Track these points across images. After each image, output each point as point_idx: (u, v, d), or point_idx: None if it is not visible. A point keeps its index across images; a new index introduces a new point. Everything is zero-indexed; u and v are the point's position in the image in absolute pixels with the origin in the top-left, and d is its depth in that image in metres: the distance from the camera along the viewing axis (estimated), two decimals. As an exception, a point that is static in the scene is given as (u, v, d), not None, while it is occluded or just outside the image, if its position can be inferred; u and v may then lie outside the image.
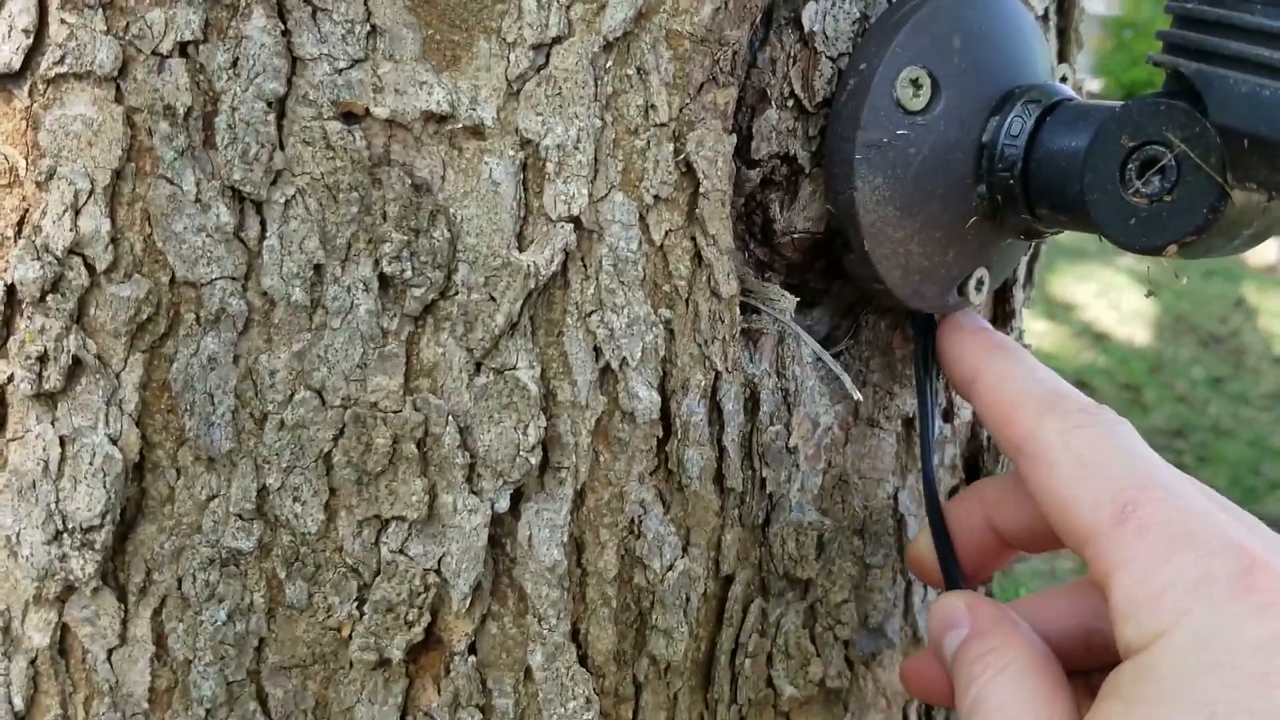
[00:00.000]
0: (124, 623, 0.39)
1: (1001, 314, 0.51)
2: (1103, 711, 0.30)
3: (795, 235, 0.43)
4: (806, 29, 0.41)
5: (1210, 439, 2.48)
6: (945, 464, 0.51)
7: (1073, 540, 0.34)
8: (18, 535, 0.38)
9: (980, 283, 0.44)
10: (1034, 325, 3.04)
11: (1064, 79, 0.45)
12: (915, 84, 0.39)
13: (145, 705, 0.39)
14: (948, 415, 0.50)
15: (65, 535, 0.38)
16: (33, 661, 0.39)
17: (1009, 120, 0.40)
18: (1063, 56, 0.51)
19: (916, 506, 0.49)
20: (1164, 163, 0.35)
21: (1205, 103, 0.32)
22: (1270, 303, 3.87)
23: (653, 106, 0.37)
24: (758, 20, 0.39)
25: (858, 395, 0.43)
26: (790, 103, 0.41)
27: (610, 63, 0.36)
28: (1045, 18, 0.49)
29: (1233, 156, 0.32)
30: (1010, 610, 0.38)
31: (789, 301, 0.42)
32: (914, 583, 0.49)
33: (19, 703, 0.39)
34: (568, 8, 0.36)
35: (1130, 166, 0.36)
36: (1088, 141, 0.37)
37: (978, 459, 0.52)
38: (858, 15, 0.42)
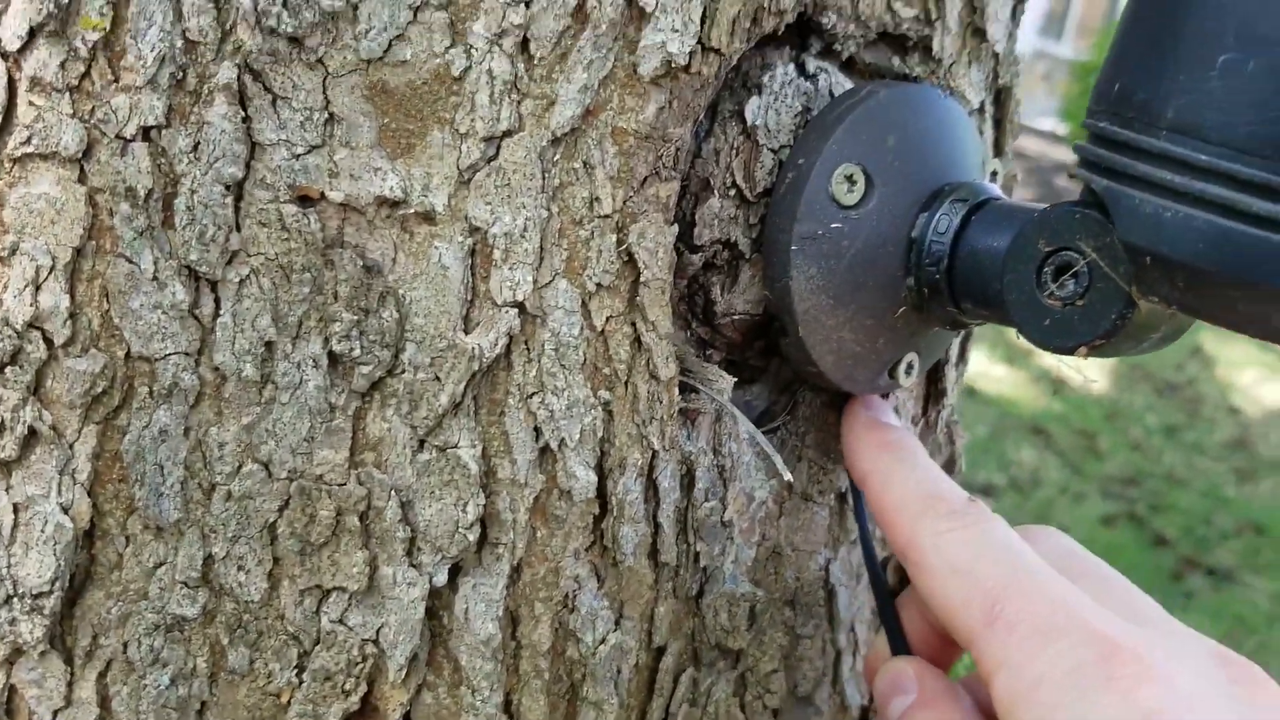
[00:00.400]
0: (70, 685, 0.40)
1: (934, 393, 0.53)
2: None
3: (735, 317, 0.45)
4: (749, 122, 0.43)
5: (1164, 488, 2.52)
6: (878, 536, 0.52)
7: (960, 642, 0.35)
8: (-35, 598, 0.39)
9: (910, 367, 0.46)
10: (993, 370, 3.08)
11: (994, 174, 0.47)
12: (850, 180, 0.41)
13: (86, 766, 0.40)
14: (881, 489, 0.52)
15: (15, 600, 0.39)
16: (-24, 721, 0.40)
17: (937, 217, 0.42)
18: (999, 146, 0.53)
19: (848, 578, 0.51)
20: (1077, 269, 0.37)
21: (1112, 218, 0.34)
22: (1227, 352, 3.94)
23: (597, 199, 0.38)
24: (700, 117, 0.41)
25: (788, 476, 0.44)
26: (733, 192, 0.43)
27: (558, 156, 0.38)
28: (981, 110, 0.51)
29: (1137, 271, 0.34)
30: (954, 684, 0.40)
31: (726, 382, 0.44)
32: (843, 652, 0.50)
33: (-40, 762, 0.40)
34: (518, 103, 0.37)
35: (1046, 270, 0.38)
36: (1009, 242, 0.39)
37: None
38: (799, 109, 0.44)
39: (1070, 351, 0.37)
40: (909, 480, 0.40)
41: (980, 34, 0.48)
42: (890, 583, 0.53)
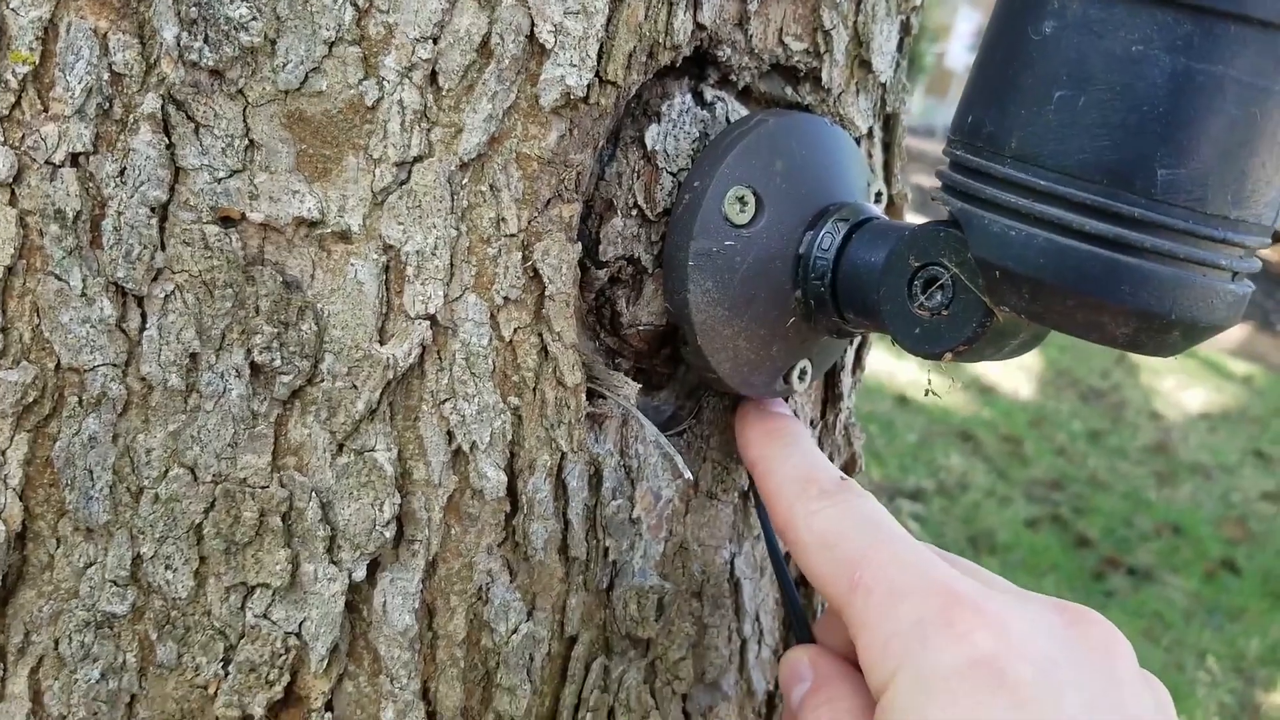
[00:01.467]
0: (3, 681, 0.42)
1: (831, 397, 0.56)
2: None
3: (640, 327, 0.48)
4: (649, 148, 0.46)
5: (1087, 491, 2.60)
6: (780, 532, 0.56)
7: (838, 613, 0.39)
8: (-100, 600, 0.41)
9: (804, 373, 0.49)
10: (924, 377, 3.14)
11: (879, 195, 0.51)
12: (741, 201, 0.45)
13: (19, 760, 0.42)
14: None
15: (-53, 601, 0.41)
16: (-89, 719, 0.42)
17: (821, 235, 0.45)
18: (889, 168, 0.57)
19: (752, 570, 0.54)
20: (942, 282, 0.40)
21: (967, 236, 0.38)
22: (1152, 359, 4.06)
23: (503, 219, 0.41)
24: (601, 144, 0.44)
25: (688, 475, 0.47)
26: (635, 212, 0.46)
27: (466, 180, 0.41)
28: (870, 135, 0.55)
29: (988, 284, 0.38)
30: (848, 665, 0.43)
31: (631, 388, 0.47)
32: (748, 640, 0.54)
33: (-104, 758, 0.42)
34: (428, 131, 0.40)
35: (916, 283, 0.41)
36: (884, 258, 0.43)
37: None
38: (697, 135, 0.47)
39: (938, 357, 0.41)
40: (787, 464, 0.44)
41: (866, 65, 0.52)
42: (794, 575, 0.57)
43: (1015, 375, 3.36)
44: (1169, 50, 0.33)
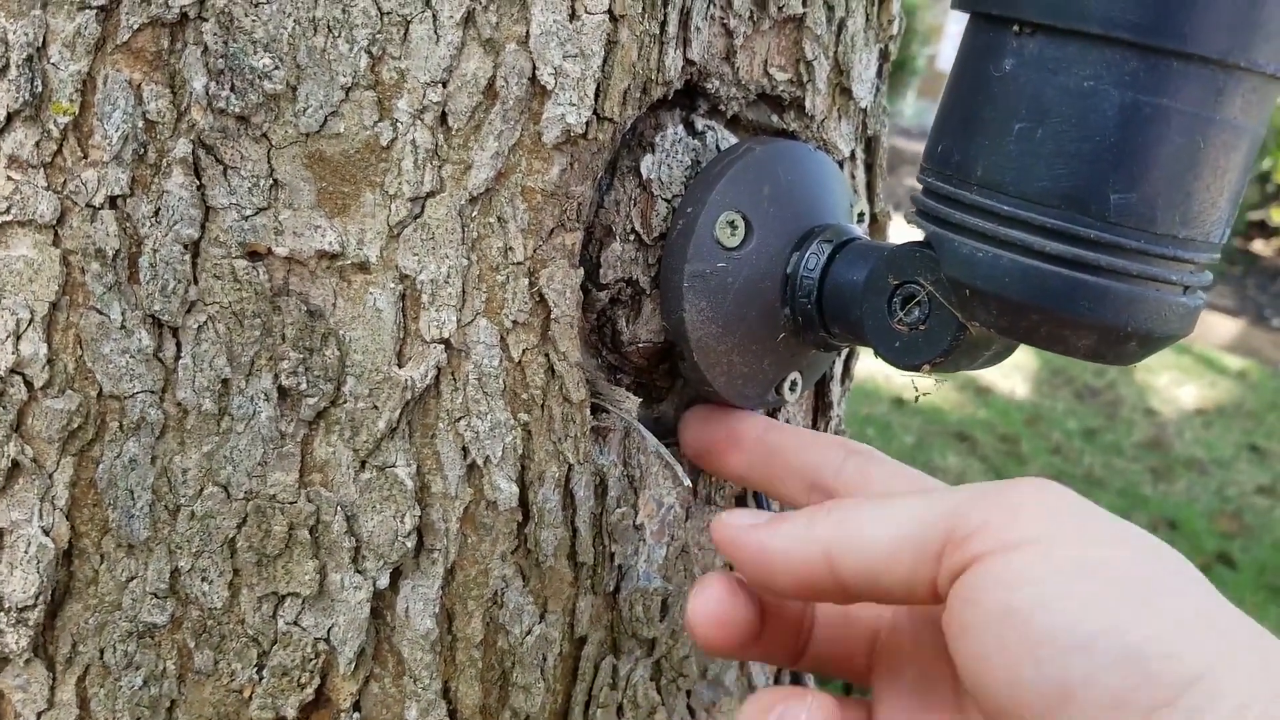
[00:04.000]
0: (52, 689, 0.45)
1: (821, 406, 0.59)
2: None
3: (640, 345, 0.51)
4: (644, 176, 0.49)
5: (1083, 488, 2.63)
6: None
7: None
8: (-43, 615, 0.44)
9: (794, 384, 0.53)
10: (922, 380, 3.17)
11: (861, 215, 0.54)
12: (732, 225, 0.48)
13: (68, 762, 0.45)
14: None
15: (2, 614, 0.44)
16: (-33, 725, 0.45)
17: (807, 256, 0.48)
18: (871, 187, 0.60)
19: (750, 572, 0.57)
20: (919, 299, 0.44)
21: (939, 257, 0.41)
22: (1145, 356, 4.09)
23: (511, 248, 0.44)
24: (599, 176, 0.47)
25: (688, 482, 0.51)
26: (632, 237, 0.49)
27: (475, 213, 0.44)
28: (853, 157, 0.58)
29: (960, 301, 0.41)
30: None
31: (632, 402, 0.50)
32: (748, 639, 0.56)
33: (-46, 762, 0.45)
34: (439, 168, 0.43)
35: (895, 300, 0.44)
36: (865, 277, 0.46)
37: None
38: (689, 163, 0.50)
39: (917, 369, 0.44)
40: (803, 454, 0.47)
41: (847, 93, 0.55)
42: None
43: (1011, 375, 3.39)
44: (1117, 85, 0.36)
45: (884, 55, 0.59)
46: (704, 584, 0.43)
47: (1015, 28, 0.38)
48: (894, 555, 0.36)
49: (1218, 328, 4.65)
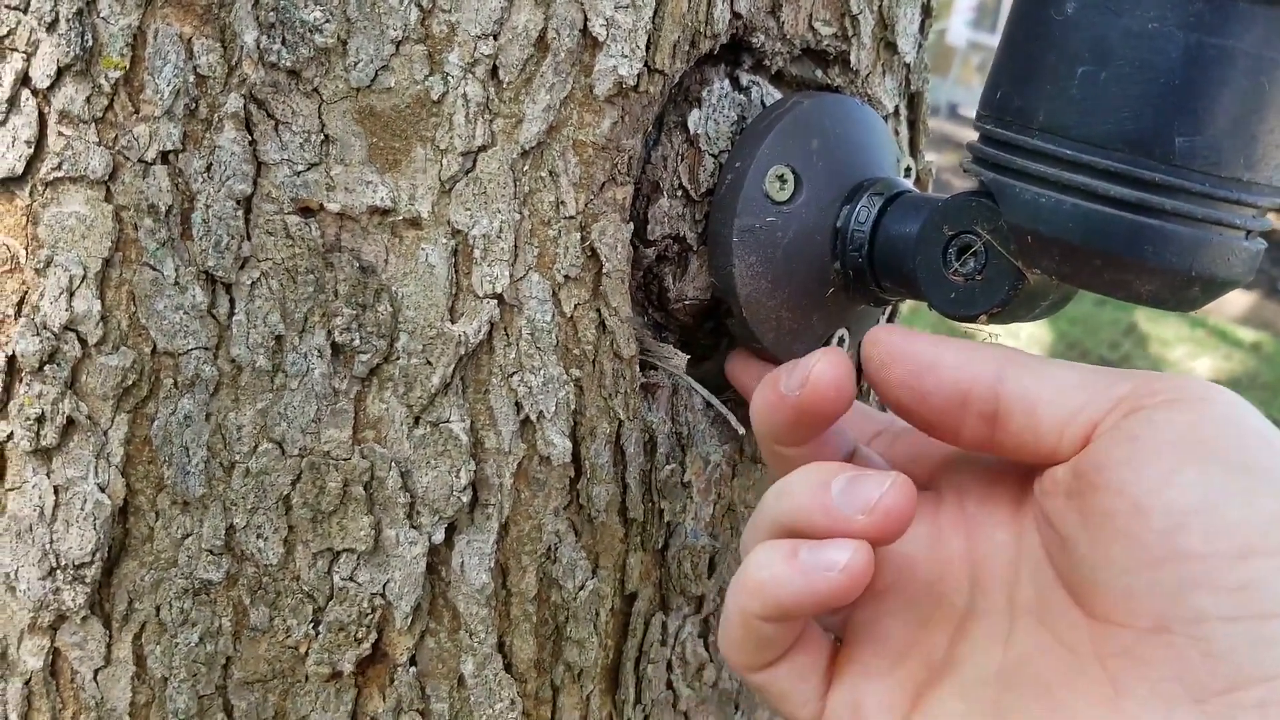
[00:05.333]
0: (109, 646, 0.45)
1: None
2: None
3: (686, 302, 0.50)
4: (692, 131, 0.49)
5: (1100, 461, 2.63)
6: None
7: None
8: (15, 572, 0.44)
9: (842, 340, 0.52)
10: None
11: (908, 170, 0.54)
12: (781, 179, 0.48)
13: (126, 719, 0.45)
14: (820, 452, 0.58)
15: (59, 572, 0.44)
16: (27, 683, 0.45)
17: (858, 209, 0.48)
18: (914, 145, 0.60)
19: (795, 531, 0.57)
20: (975, 248, 0.43)
21: (1000, 205, 0.41)
22: (1160, 330, 4.08)
23: (562, 202, 0.44)
24: (649, 128, 0.47)
25: (741, 430, 0.50)
26: (679, 193, 0.49)
27: (527, 167, 0.44)
28: (896, 113, 0.57)
29: (1020, 248, 0.40)
30: None
31: (681, 359, 0.50)
32: (793, 597, 0.56)
33: (15, 719, 0.45)
34: (491, 122, 0.43)
35: (950, 251, 0.44)
36: (918, 229, 0.46)
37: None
38: (735, 118, 0.50)
39: (974, 319, 0.44)
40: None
41: (892, 47, 0.55)
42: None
43: (1027, 348, 3.38)
44: (1182, 26, 0.36)
45: (926, 10, 0.58)
46: (828, 352, 0.42)
47: (1078, -30, 0.37)
48: (1067, 389, 0.37)
49: (1231, 300, 4.63)
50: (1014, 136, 0.40)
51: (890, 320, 0.61)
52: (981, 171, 0.42)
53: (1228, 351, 3.85)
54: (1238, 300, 4.69)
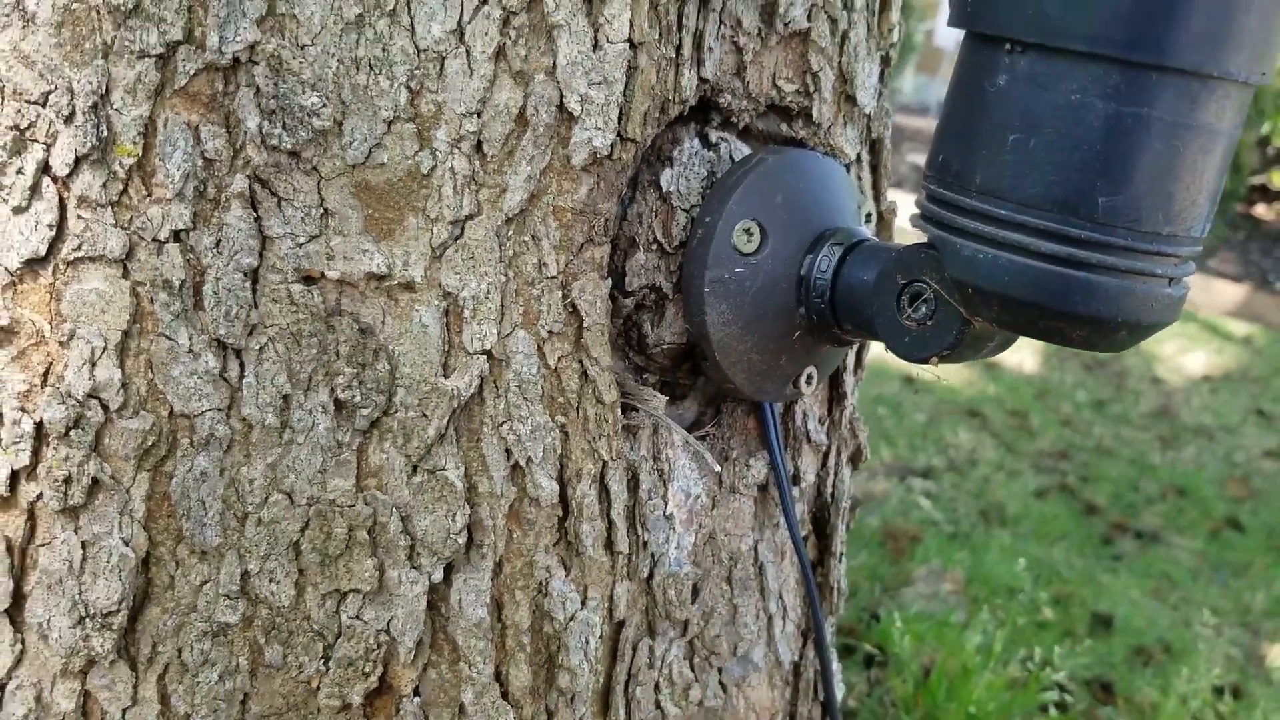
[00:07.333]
0: (135, 687, 0.48)
1: (836, 395, 0.63)
2: None
3: (664, 346, 0.54)
4: (665, 189, 0.52)
5: (1093, 459, 2.66)
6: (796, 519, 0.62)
7: None
8: (48, 622, 0.48)
9: (810, 378, 0.56)
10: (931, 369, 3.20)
11: (869, 216, 0.57)
12: (748, 233, 0.51)
13: (153, 753, 0.49)
14: (795, 480, 0.62)
15: (88, 620, 0.47)
16: (60, 722, 0.49)
17: (820, 258, 0.52)
18: (877, 187, 0.63)
19: (774, 555, 0.60)
20: (926, 296, 0.47)
21: (942, 259, 0.44)
22: (1151, 325, 4.10)
23: (544, 264, 0.48)
24: (624, 190, 0.50)
25: (717, 467, 0.54)
26: (655, 246, 0.52)
27: (511, 232, 0.47)
28: (859, 160, 0.61)
29: (963, 298, 0.44)
30: None
31: (660, 401, 0.54)
32: (774, 617, 0.60)
33: (50, 757, 0.49)
34: (477, 192, 0.47)
35: (904, 298, 0.48)
36: (875, 277, 0.49)
37: (824, 513, 0.64)
38: (705, 174, 0.54)
39: (926, 361, 0.47)
40: None
41: (852, 100, 0.58)
42: (811, 557, 0.63)
43: (1020, 350, 3.41)
44: (1102, 98, 0.40)
45: (885, 61, 0.62)
46: None
47: (1007, 46, 0.41)
48: None
49: (1223, 293, 4.67)
50: (954, 197, 0.44)
51: (860, 356, 0.65)
52: (927, 228, 0.45)
53: (1219, 345, 3.89)
54: (1229, 293, 4.72)
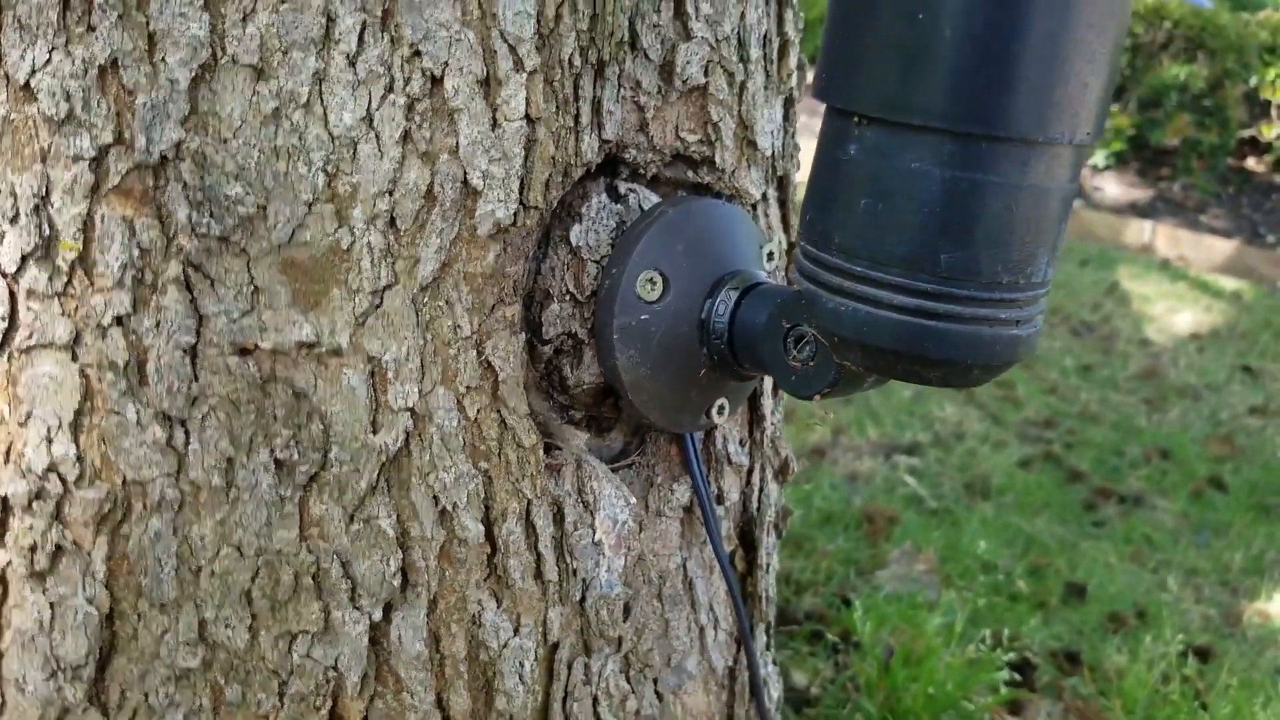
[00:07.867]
0: (108, 729, 0.53)
1: (756, 418, 0.67)
2: None
3: (585, 387, 0.58)
4: (574, 244, 0.57)
5: (1078, 425, 2.70)
6: (723, 535, 0.67)
7: None
8: (23, 676, 0.52)
9: (721, 409, 0.60)
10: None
11: (770, 255, 0.62)
12: (651, 282, 0.55)
13: (129, 787, 0.54)
14: (719, 499, 0.66)
15: (59, 673, 0.52)
16: (42, 764, 0.53)
17: (718, 302, 0.56)
18: (785, 219, 0.67)
19: (703, 570, 0.65)
20: (807, 339, 0.51)
21: (811, 310, 0.48)
22: (1141, 288, 4.14)
23: (459, 326, 0.52)
24: (531, 252, 0.55)
25: (633, 500, 0.58)
26: (568, 297, 0.57)
27: (426, 299, 0.52)
28: (765, 198, 0.65)
29: (831, 345, 0.48)
30: None
31: (580, 439, 0.58)
32: (705, 627, 0.65)
33: (34, 796, 0.54)
34: (393, 264, 0.51)
35: (789, 340, 0.52)
36: (765, 320, 0.53)
37: (750, 527, 0.68)
38: (614, 225, 0.58)
39: (810, 398, 0.52)
40: None
41: (753, 144, 0.62)
42: (740, 569, 0.68)
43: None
44: (939, 165, 0.44)
45: (789, 102, 0.66)
46: None
47: (856, 119, 0.45)
48: None
49: (1214, 248, 4.69)
50: (819, 254, 0.48)
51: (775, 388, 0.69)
52: (801, 281, 0.50)
53: (1208, 303, 3.92)
54: (1220, 247, 4.74)
